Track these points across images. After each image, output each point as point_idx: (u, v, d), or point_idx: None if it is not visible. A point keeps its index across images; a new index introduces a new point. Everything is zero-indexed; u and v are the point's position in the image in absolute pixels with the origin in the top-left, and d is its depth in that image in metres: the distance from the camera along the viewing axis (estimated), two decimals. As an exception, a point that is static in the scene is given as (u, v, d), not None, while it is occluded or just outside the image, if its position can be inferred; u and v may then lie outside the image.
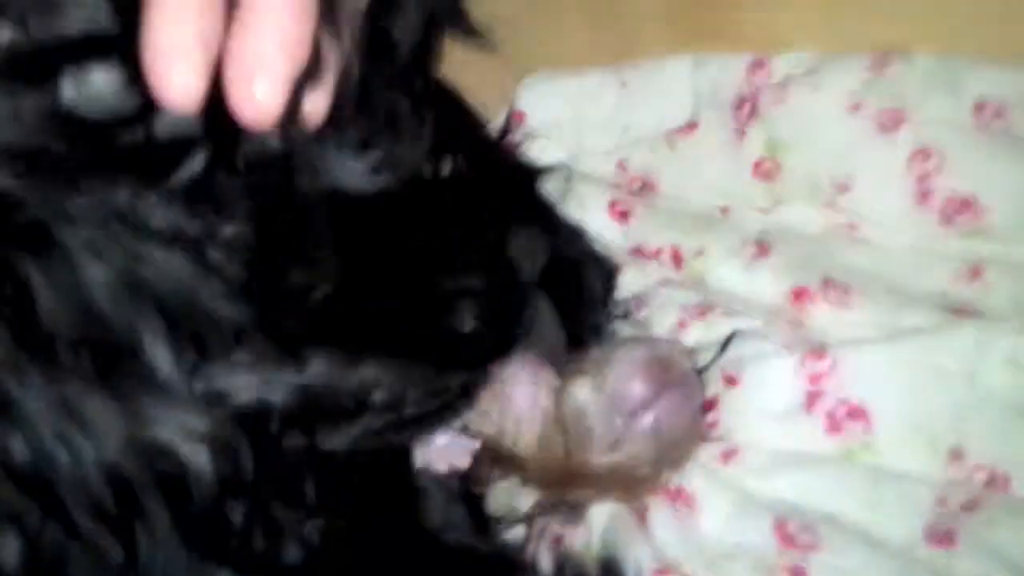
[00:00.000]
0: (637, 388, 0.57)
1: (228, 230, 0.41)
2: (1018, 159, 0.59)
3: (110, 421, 0.40)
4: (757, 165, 0.67)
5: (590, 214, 0.71)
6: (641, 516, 0.60)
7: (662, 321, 0.66)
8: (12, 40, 0.35)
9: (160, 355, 0.40)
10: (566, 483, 0.59)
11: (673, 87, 0.73)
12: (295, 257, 0.44)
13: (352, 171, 0.48)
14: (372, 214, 0.49)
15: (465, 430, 0.59)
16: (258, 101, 0.32)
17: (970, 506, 0.54)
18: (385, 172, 0.50)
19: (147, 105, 0.34)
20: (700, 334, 0.64)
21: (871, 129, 0.63)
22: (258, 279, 0.42)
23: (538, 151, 0.74)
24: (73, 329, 0.38)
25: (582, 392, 0.58)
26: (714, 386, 0.62)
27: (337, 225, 0.46)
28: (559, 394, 0.59)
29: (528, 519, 0.60)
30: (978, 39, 0.61)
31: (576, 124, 0.75)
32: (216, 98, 0.32)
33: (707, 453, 0.60)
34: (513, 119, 0.76)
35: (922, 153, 0.61)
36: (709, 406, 0.61)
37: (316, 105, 0.37)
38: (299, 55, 0.33)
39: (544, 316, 0.65)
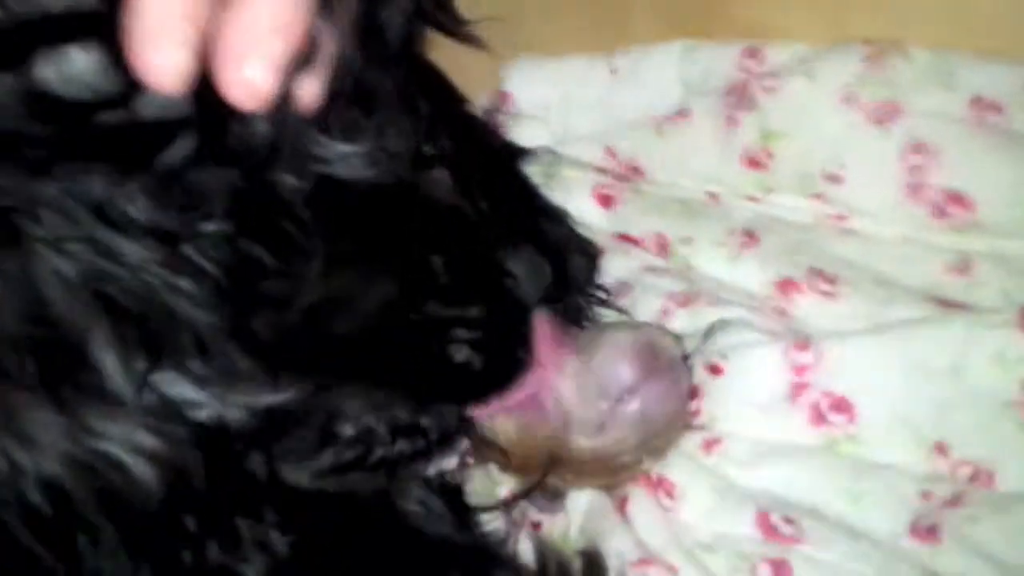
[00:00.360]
0: (624, 372, 0.56)
1: (209, 227, 0.40)
2: (1012, 155, 0.58)
3: (52, 433, 0.38)
4: (748, 153, 0.67)
5: (575, 198, 0.70)
6: (622, 505, 0.59)
7: (646, 308, 0.65)
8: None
9: (109, 361, 0.38)
10: (546, 469, 0.58)
11: (662, 74, 0.72)
12: (276, 259, 0.43)
13: (343, 158, 0.47)
14: (363, 213, 0.48)
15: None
16: (249, 83, 0.31)
17: (954, 501, 0.53)
18: (378, 164, 0.49)
19: (131, 86, 0.33)
20: (684, 322, 0.63)
21: (864, 121, 0.62)
22: (234, 282, 0.41)
23: (524, 134, 0.73)
24: (20, 327, 0.37)
25: (567, 374, 0.56)
26: (698, 375, 0.61)
27: (325, 224, 0.45)
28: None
29: (507, 506, 0.59)
30: (973, 35, 0.61)
31: (563, 108, 0.74)
32: (204, 80, 0.31)
33: (690, 442, 0.59)
34: (500, 100, 0.75)
35: (915, 146, 0.60)
36: (693, 395, 0.60)
37: (309, 90, 0.35)
38: (293, 38, 0.32)
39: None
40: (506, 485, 0.61)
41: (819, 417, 0.58)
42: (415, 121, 0.57)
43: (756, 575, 0.54)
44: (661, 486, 0.58)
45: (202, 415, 0.41)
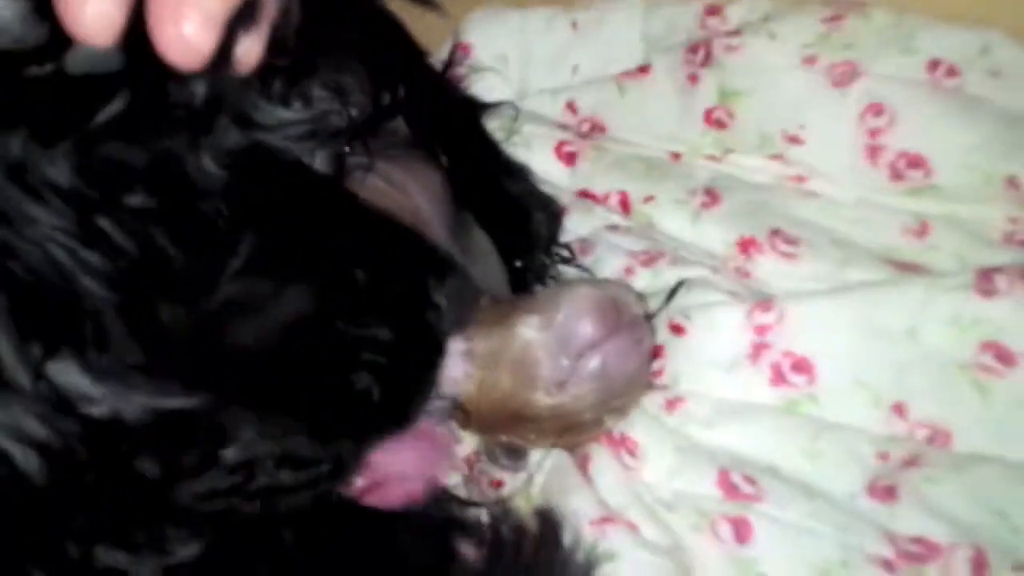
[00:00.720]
0: (586, 328, 0.55)
1: (132, 199, 0.38)
2: (969, 118, 0.59)
3: None
4: (709, 113, 0.67)
5: (536, 155, 0.70)
6: (584, 463, 0.59)
7: (608, 266, 0.65)
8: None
9: (3, 345, 0.37)
10: (508, 426, 0.58)
11: (624, 29, 0.72)
12: (194, 248, 0.41)
13: (282, 126, 0.45)
14: (291, 206, 0.46)
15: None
16: (187, 41, 0.29)
17: (912, 461, 0.54)
18: (316, 136, 0.47)
19: (59, 38, 0.31)
20: (647, 281, 0.64)
21: (824, 82, 0.63)
22: (147, 264, 0.39)
23: (484, 88, 0.72)
24: None
25: (529, 330, 0.56)
26: (660, 334, 0.61)
27: (249, 216, 0.43)
28: (505, 332, 0.57)
29: (467, 464, 0.59)
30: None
31: (523, 61, 0.74)
32: (140, 36, 0.29)
33: (652, 402, 0.60)
34: (458, 52, 0.74)
35: (874, 109, 0.61)
36: (655, 354, 0.60)
37: (250, 49, 0.33)
38: None
39: (485, 253, 0.63)
40: (467, 443, 0.61)
41: (780, 377, 0.58)
42: (372, 74, 0.56)
43: (716, 533, 0.55)
44: (623, 445, 0.59)
45: (96, 410, 0.39)
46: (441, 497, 0.57)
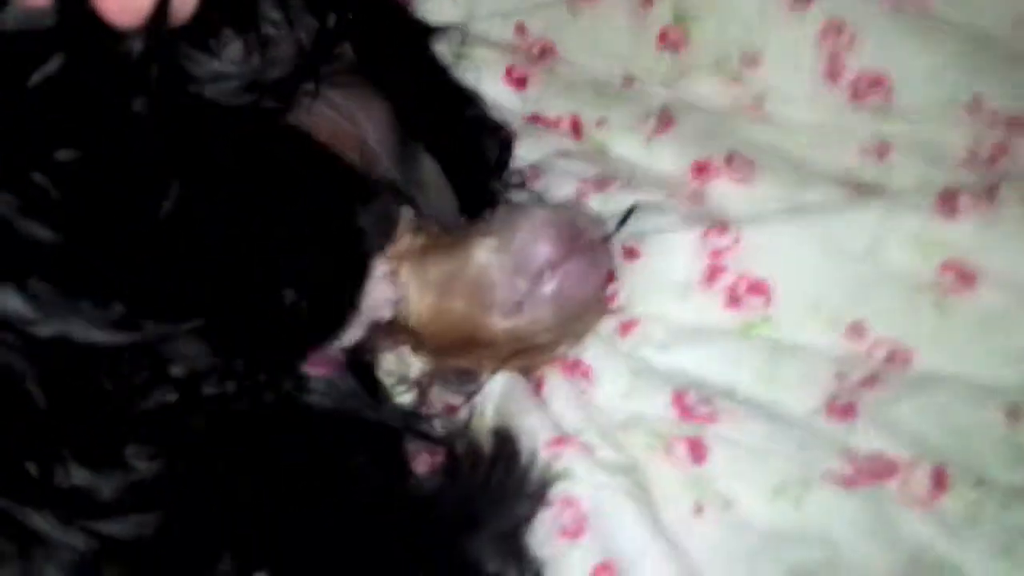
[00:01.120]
0: (543, 250, 0.54)
1: (62, 154, 0.38)
2: (931, 38, 0.58)
3: None
4: (663, 35, 0.65)
5: (486, 79, 0.68)
6: (538, 387, 0.58)
7: (559, 191, 0.64)
8: None
9: None
10: (462, 350, 0.57)
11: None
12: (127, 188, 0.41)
13: (216, 78, 0.45)
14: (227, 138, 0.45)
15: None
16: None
17: (870, 381, 0.54)
18: (252, 88, 0.47)
19: None
20: (599, 206, 0.62)
21: (781, 2, 0.61)
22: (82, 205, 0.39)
23: (432, 10, 0.69)
24: None
25: (485, 252, 0.55)
26: (614, 259, 0.60)
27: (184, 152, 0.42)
28: (460, 256, 0.55)
29: (420, 387, 0.57)
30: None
31: (471, -18, 0.71)
32: None
33: (606, 325, 0.58)
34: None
35: (834, 28, 0.60)
36: (611, 278, 0.59)
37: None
38: None
39: (434, 181, 0.62)
40: (419, 367, 0.59)
41: (735, 300, 0.57)
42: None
43: (672, 453, 0.54)
44: (577, 368, 0.57)
45: (43, 331, 0.39)
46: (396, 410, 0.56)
